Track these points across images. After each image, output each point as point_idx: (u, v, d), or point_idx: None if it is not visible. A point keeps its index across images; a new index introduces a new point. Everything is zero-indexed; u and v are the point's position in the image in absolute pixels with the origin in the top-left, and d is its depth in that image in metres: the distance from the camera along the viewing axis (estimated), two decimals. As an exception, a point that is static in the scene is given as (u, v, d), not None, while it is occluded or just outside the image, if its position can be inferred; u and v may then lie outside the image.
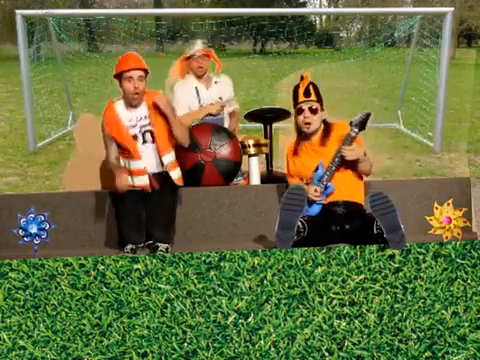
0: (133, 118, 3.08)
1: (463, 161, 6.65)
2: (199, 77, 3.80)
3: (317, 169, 2.85)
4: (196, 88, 3.76)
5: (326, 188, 2.82)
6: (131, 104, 3.08)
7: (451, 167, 6.41)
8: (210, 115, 3.72)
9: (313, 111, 2.84)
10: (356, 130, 2.75)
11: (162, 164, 3.10)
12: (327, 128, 2.91)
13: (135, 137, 3.07)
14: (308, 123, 2.85)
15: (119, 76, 3.04)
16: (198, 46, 3.75)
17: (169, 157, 3.12)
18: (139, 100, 3.07)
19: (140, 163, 3.06)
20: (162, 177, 3.11)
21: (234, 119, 3.97)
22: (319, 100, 2.89)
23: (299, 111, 2.87)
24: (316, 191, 2.80)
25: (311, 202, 2.82)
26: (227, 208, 3.28)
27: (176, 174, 3.14)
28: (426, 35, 8.12)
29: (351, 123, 2.75)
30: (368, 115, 2.74)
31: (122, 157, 3.10)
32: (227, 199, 3.29)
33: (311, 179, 2.88)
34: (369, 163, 2.85)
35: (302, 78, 2.91)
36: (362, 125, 2.75)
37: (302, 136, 2.96)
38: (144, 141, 3.08)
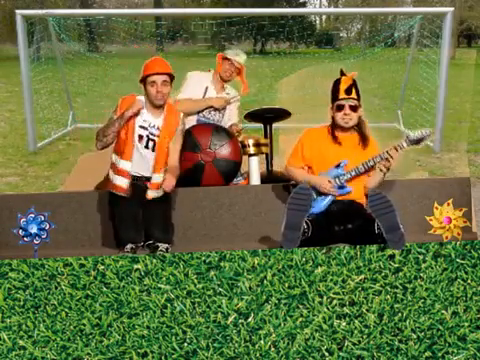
0: (148, 121, 3.05)
1: (463, 161, 6.65)
2: (218, 79, 3.79)
3: (338, 166, 2.88)
4: (206, 88, 3.76)
5: (342, 187, 2.86)
6: (153, 107, 3.05)
7: (451, 167, 6.40)
8: (212, 108, 3.72)
9: (353, 108, 2.90)
10: (410, 145, 2.86)
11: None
12: (363, 130, 2.97)
13: (141, 138, 3.04)
14: (347, 120, 2.91)
15: (144, 81, 3.03)
16: (241, 58, 3.77)
17: (157, 177, 3.04)
18: (163, 102, 3.04)
19: (128, 165, 3.02)
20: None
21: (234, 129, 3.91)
22: (359, 98, 2.94)
23: (339, 107, 2.91)
24: (330, 182, 2.84)
25: (317, 198, 2.84)
26: (227, 208, 3.28)
27: (153, 193, 3.04)
28: (426, 35, 8.11)
29: (408, 137, 2.86)
30: (428, 135, 2.85)
31: (115, 152, 3.08)
32: (227, 199, 3.29)
33: (325, 171, 2.90)
34: (383, 178, 2.92)
35: (342, 74, 2.95)
36: (418, 142, 2.87)
37: (338, 128, 2.98)
38: (146, 146, 3.05)
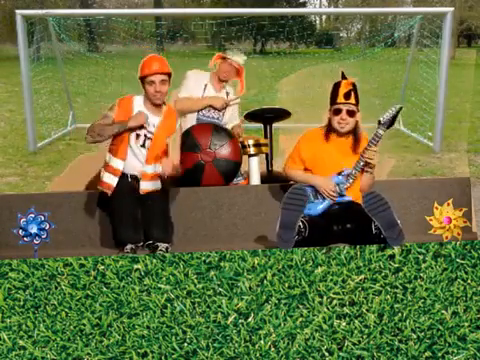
0: (146, 119, 3.06)
1: (463, 161, 6.65)
2: (217, 79, 3.80)
3: (340, 173, 2.87)
4: (205, 85, 3.77)
5: (342, 196, 2.86)
6: (151, 105, 3.06)
7: (451, 167, 6.40)
8: (212, 107, 3.72)
9: (350, 113, 2.88)
10: (384, 128, 2.77)
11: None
12: (358, 135, 2.94)
13: (138, 137, 3.05)
14: (343, 124, 2.89)
15: (142, 79, 3.03)
16: (240, 59, 3.76)
17: (149, 169, 3.06)
18: (161, 101, 3.05)
19: (120, 163, 3.03)
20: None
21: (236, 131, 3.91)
22: (357, 103, 2.92)
23: (337, 111, 2.89)
24: (333, 191, 2.82)
25: (315, 201, 2.84)
26: (227, 208, 3.28)
27: (146, 185, 3.06)
28: (426, 35, 8.11)
29: (379, 122, 2.77)
30: (399, 110, 2.75)
31: (109, 151, 3.08)
32: (227, 199, 3.29)
33: (326, 175, 2.90)
34: (373, 178, 2.89)
35: (343, 77, 2.93)
36: (391, 122, 2.76)
37: (333, 131, 2.97)
38: (143, 145, 3.06)
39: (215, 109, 3.74)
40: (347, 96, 2.86)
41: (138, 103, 3.09)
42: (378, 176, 3.04)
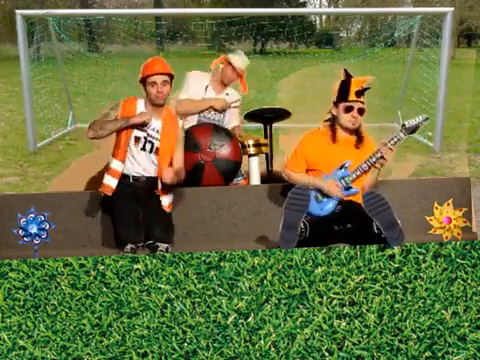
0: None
1: (463, 161, 6.65)
2: (218, 81, 3.78)
3: (342, 167, 2.87)
4: (206, 87, 3.75)
5: (348, 188, 2.85)
6: (152, 107, 3.05)
7: (451, 167, 6.40)
8: (213, 109, 3.72)
9: (360, 111, 2.89)
10: (407, 133, 2.80)
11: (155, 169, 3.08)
12: (360, 132, 2.95)
13: (138, 140, 3.04)
14: (354, 122, 2.90)
15: (143, 81, 3.03)
16: (243, 64, 3.74)
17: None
18: (163, 101, 3.04)
19: (119, 165, 3.03)
20: (153, 181, 3.08)
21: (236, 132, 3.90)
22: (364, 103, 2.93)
23: (348, 108, 2.88)
24: (338, 186, 2.83)
25: (323, 201, 2.84)
26: (227, 208, 3.28)
27: (167, 200, 3.08)
28: (426, 35, 8.11)
29: (404, 125, 2.79)
30: (425, 119, 2.79)
31: (112, 154, 3.07)
32: (227, 199, 3.29)
33: (330, 173, 2.89)
34: (377, 177, 2.90)
35: (348, 75, 2.92)
36: (414, 129, 2.80)
37: (340, 129, 2.97)
38: (143, 148, 3.05)
39: (216, 111, 3.73)
40: (359, 94, 2.87)
41: (141, 106, 3.09)
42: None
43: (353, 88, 2.87)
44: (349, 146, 2.94)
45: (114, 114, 3.04)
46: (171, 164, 3.08)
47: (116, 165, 3.03)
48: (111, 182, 3.02)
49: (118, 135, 3.04)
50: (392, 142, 2.79)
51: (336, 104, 2.92)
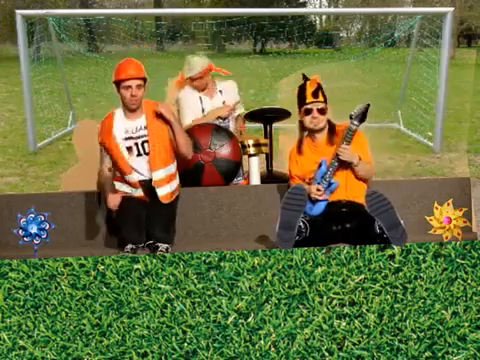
0: (130, 129, 3.03)
1: (463, 161, 6.65)
2: (202, 89, 3.68)
3: (320, 166, 2.87)
4: (200, 98, 3.67)
5: (330, 184, 2.85)
6: (129, 112, 3.04)
7: (451, 167, 6.41)
8: (220, 118, 3.67)
9: (321, 111, 2.90)
10: (356, 123, 2.80)
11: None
12: (332, 128, 2.96)
13: (130, 149, 3.02)
14: (316, 122, 2.90)
15: (117, 84, 3.01)
16: (196, 69, 3.57)
17: (160, 173, 3.03)
18: (137, 105, 3.02)
19: (132, 177, 3.03)
20: None
21: (240, 122, 3.89)
22: (325, 101, 2.94)
23: (307, 111, 2.91)
24: (319, 190, 2.82)
25: (315, 201, 2.83)
26: (227, 208, 3.28)
27: (163, 190, 3.05)
28: (426, 35, 8.12)
29: (351, 116, 2.80)
30: (367, 106, 2.80)
31: (115, 169, 3.09)
32: (227, 199, 3.29)
33: (313, 178, 2.89)
34: (365, 169, 2.88)
35: (305, 78, 2.95)
36: (362, 117, 2.79)
37: (306, 135, 3.00)
38: (139, 154, 3.03)
39: (222, 118, 3.69)
40: (315, 94, 2.89)
41: (118, 118, 3.06)
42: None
43: (308, 90, 2.90)
44: (322, 146, 2.95)
45: (104, 153, 3.07)
46: (168, 158, 3.07)
47: (131, 178, 3.04)
48: (139, 193, 3.05)
49: (112, 157, 3.05)
50: (347, 140, 2.80)
51: (299, 109, 2.97)
